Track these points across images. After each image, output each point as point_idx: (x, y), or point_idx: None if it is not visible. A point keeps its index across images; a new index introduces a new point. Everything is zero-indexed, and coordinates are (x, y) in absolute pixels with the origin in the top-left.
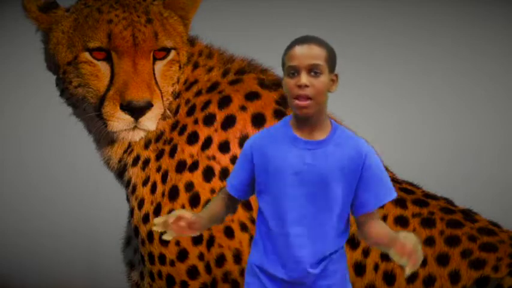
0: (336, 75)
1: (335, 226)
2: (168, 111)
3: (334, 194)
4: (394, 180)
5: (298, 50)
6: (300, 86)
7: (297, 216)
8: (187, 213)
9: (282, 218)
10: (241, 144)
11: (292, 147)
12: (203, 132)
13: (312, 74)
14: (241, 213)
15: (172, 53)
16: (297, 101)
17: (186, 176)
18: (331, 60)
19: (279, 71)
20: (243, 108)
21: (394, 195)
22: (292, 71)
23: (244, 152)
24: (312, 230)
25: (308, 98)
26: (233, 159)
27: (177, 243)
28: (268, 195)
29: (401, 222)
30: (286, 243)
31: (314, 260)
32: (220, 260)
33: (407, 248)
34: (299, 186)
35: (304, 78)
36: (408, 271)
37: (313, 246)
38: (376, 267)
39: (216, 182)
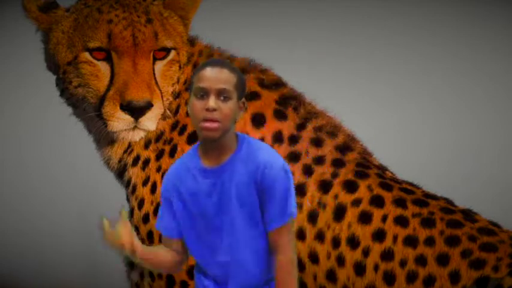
0: (244, 103)
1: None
2: (168, 111)
3: (252, 211)
4: (394, 180)
5: (209, 72)
6: (207, 109)
7: (225, 246)
8: (139, 246)
9: (209, 253)
10: None
11: (203, 180)
12: None
13: (221, 98)
14: None
15: (172, 53)
16: (204, 124)
17: None
18: (241, 86)
19: (279, 71)
20: None
21: (284, 220)
22: (201, 93)
23: (163, 195)
24: (240, 255)
25: (215, 121)
26: None
27: None
28: (189, 235)
29: (402, 222)
30: (222, 271)
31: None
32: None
33: None
34: (217, 216)
35: (212, 102)
36: None
37: (245, 272)
38: (376, 267)
39: None
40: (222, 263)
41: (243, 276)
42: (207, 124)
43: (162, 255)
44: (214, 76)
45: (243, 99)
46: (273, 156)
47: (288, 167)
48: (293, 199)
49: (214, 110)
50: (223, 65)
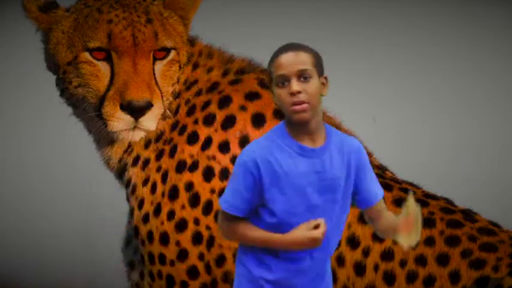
0: (326, 78)
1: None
2: (168, 111)
3: (346, 194)
4: (394, 180)
5: (284, 58)
6: (292, 94)
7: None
8: None
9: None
10: (241, 144)
11: (300, 158)
12: (203, 132)
13: (302, 79)
14: None
15: (172, 53)
16: (293, 107)
17: (186, 176)
18: (319, 63)
19: None
20: (243, 108)
21: (382, 191)
22: (282, 80)
23: (247, 169)
24: (332, 234)
25: (303, 102)
26: (233, 159)
27: (177, 243)
28: (280, 211)
29: None
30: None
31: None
32: (220, 260)
33: (410, 224)
34: (315, 196)
35: (295, 85)
36: (405, 243)
37: (332, 248)
38: (376, 267)
39: (216, 182)
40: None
41: (325, 257)
42: (296, 107)
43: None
44: (289, 60)
45: (324, 75)
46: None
47: None
48: None
49: (298, 92)
50: (296, 47)
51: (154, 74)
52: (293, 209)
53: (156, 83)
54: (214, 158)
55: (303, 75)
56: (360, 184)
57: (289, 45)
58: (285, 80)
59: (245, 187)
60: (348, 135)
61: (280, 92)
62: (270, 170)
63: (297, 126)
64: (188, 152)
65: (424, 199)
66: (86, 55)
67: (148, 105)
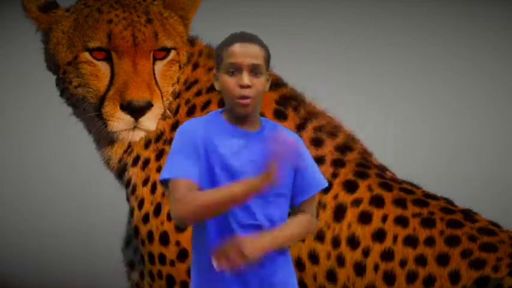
0: (269, 74)
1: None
2: (168, 111)
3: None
4: (394, 180)
5: (240, 47)
6: (242, 86)
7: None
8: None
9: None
10: None
11: (233, 137)
12: None
13: (253, 74)
14: None
15: (172, 53)
16: (240, 100)
17: None
18: (268, 59)
19: (278, 71)
20: None
21: (325, 183)
22: (233, 69)
23: (189, 140)
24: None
25: (249, 97)
26: None
27: (177, 243)
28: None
29: (402, 222)
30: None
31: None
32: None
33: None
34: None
35: (246, 79)
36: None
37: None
38: (376, 268)
39: None
40: (249, 225)
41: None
42: (242, 101)
43: None
44: (245, 51)
45: (268, 71)
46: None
47: None
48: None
49: (248, 86)
50: (253, 39)
51: (154, 74)
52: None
53: (156, 83)
54: None
55: (254, 70)
56: (296, 176)
57: (245, 35)
58: (235, 70)
59: (192, 152)
60: (284, 128)
61: (229, 80)
62: (212, 145)
63: (236, 115)
64: None
65: (424, 199)
66: (86, 55)
67: (148, 105)
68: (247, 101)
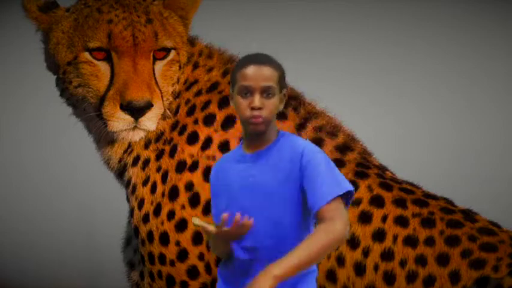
0: (284, 94)
1: (294, 228)
2: (168, 111)
3: (281, 197)
4: (394, 180)
5: (251, 70)
6: (253, 108)
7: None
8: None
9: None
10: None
11: (238, 164)
12: (203, 132)
13: (265, 95)
14: None
15: (172, 53)
16: (251, 119)
17: (186, 176)
18: (283, 79)
19: None
20: None
21: (342, 189)
22: (246, 91)
23: (211, 187)
24: (264, 234)
25: (261, 117)
26: None
27: (177, 243)
28: (214, 216)
29: (402, 222)
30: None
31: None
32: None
33: None
34: (248, 198)
35: (257, 101)
36: None
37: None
38: (376, 268)
39: None
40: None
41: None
42: (254, 120)
43: None
44: (257, 74)
45: (284, 90)
46: (309, 143)
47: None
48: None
49: (259, 108)
50: (265, 60)
51: (154, 74)
52: (223, 207)
53: (156, 83)
54: (214, 158)
55: (266, 92)
56: (305, 187)
57: (257, 57)
58: (247, 92)
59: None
60: (297, 139)
61: (242, 101)
62: (216, 178)
63: (250, 134)
64: (188, 152)
65: (424, 199)
66: (86, 55)
67: (148, 105)
68: (259, 120)
